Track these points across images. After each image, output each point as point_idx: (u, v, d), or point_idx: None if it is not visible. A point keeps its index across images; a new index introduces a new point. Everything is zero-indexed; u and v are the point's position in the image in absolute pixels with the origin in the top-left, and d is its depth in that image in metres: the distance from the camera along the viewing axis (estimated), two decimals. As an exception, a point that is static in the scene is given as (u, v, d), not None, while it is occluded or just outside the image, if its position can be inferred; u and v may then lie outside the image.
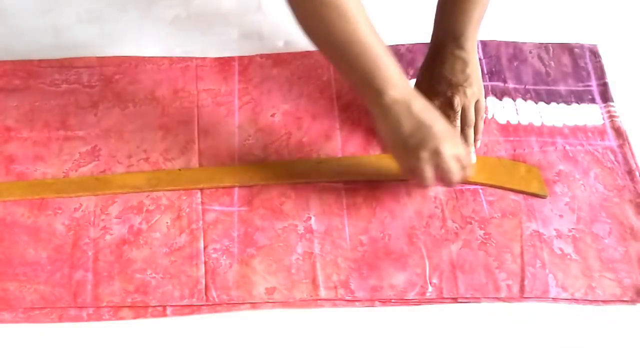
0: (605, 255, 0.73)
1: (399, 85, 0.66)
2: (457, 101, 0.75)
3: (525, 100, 0.85)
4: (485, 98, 0.83)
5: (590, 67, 0.89)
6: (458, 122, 0.76)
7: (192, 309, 0.69)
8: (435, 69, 0.76)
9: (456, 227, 0.74)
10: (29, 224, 0.73)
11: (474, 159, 0.78)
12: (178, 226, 0.74)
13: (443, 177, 0.68)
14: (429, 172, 0.67)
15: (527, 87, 0.87)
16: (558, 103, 0.86)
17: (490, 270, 0.71)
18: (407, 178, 0.72)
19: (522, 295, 0.70)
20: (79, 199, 0.75)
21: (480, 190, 0.77)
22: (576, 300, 0.70)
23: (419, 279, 0.71)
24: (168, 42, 0.90)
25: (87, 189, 0.76)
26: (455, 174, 0.68)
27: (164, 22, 0.93)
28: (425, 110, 0.67)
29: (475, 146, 0.78)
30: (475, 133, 0.78)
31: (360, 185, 0.77)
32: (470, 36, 0.75)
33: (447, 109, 0.76)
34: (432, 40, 0.78)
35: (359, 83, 0.67)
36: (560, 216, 0.75)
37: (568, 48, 0.90)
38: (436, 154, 0.67)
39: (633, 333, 0.69)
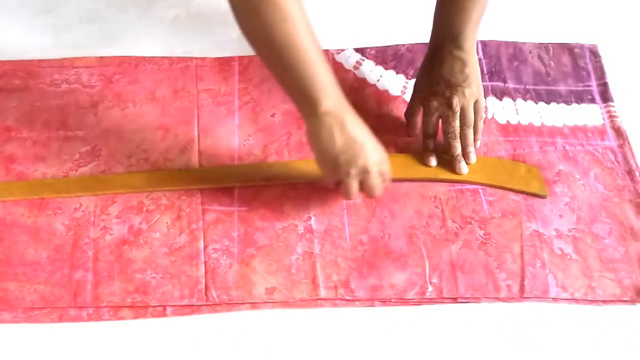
0: (605, 255, 0.73)
1: (334, 97, 0.66)
2: (456, 101, 0.75)
3: (525, 100, 0.85)
4: (485, 98, 0.83)
5: (590, 67, 0.89)
6: (457, 122, 0.76)
7: (192, 309, 0.69)
8: (434, 69, 0.76)
9: (456, 227, 0.74)
10: (29, 224, 0.73)
11: (473, 159, 0.78)
12: (178, 226, 0.74)
13: (366, 191, 0.70)
14: (354, 186, 0.69)
15: (527, 87, 0.87)
16: (558, 103, 0.86)
17: (490, 270, 0.71)
18: (329, 185, 0.73)
19: (522, 295, 0.70)
20: (79, 199, 0.75)
21: (480, 190, 0.77)
22: (576, 300, 0.70)
23: (419, 278, 0.71)
24: (168, 42, 0.90)
25: (87, 189, 0.76)
26: (378, 189, 0.70)
27: (164, 22, 0.93)
28: (357, 126, 0.68)
29: (475, 146, 0.78)
30: (475, 133, 0.78)
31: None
32: (469, 36, 0.75)
33: (446, 109, 0.76)
34: (431, 40, 0.78)
35: (293, 89, 0.67)
36: (560, 216, 0.75)
37: (568, 48, 0.90)
38: (364, 172, 0.68)
39: (633, 333, 0.69)
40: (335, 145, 0.66)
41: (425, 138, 0.79)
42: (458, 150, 0.77)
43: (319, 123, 0.66)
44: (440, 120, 0.77)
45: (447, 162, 0.78)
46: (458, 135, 0.77)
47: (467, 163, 0.78)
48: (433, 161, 0.78)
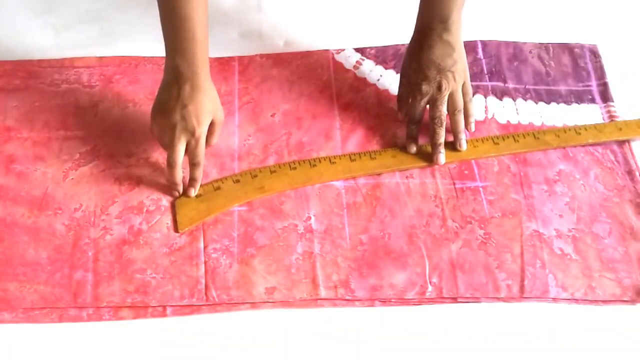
0: (605, 255, 0.73)
1: (189, 60, 0.72)
2: (445, 84, 0.76)
3: (526, 100, 0.85)
4: (485, 98, 0.84)
5: (590, 67, 0.89)
6: (444, 107, 0.77)
7: (192, 309, 0.69)
8: (423, 53, 0.77)
9: (456, 226, 0.74)
10: (29, 224, 0.73)
11: (464, 146, 0.78)
12: (178, 226, 0.74)
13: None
14: (167, 139, 0.74)
15: (527, 87, 0.87)
16: (558, 103, 0.86)
17: (490, 270, 0.71)
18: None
19: (522, 295, 0.70)
20: (79, 198, 0.75)
21: (481, 189, 0.77)
22: (576, 300, 0.70)
23: (419, 278, 0.71)
24: (168, 42, 0.90)
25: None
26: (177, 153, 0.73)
27: (164, 22, 0.92)
28: (195, 90, 0.72)
29: (469, 129, 0.80)
30: (467, 116, 0.79)
31: (360, 185, 0.77)
32: (456, 20, 0.76)
33: (435, 92, 0.77)
34: (417, 22, 0.79)
35: (165, 38, 0.73)
36: (560, 216, 0.75)
37: (568, 48, 0.90)
38: (172, 130, 0.73)
39: (633, 333, 0.69)
40: (164, 95, 0.74)
41: (410, 123, 0.80)
42: (441, 138, 0.78)
43: (165, 75, 0.74)
44: (428, 106, 0.78)
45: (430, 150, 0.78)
46: (444, 122, 0.77)
47: (458, 150, 0.78)
48: (413, 148, 0.79)
